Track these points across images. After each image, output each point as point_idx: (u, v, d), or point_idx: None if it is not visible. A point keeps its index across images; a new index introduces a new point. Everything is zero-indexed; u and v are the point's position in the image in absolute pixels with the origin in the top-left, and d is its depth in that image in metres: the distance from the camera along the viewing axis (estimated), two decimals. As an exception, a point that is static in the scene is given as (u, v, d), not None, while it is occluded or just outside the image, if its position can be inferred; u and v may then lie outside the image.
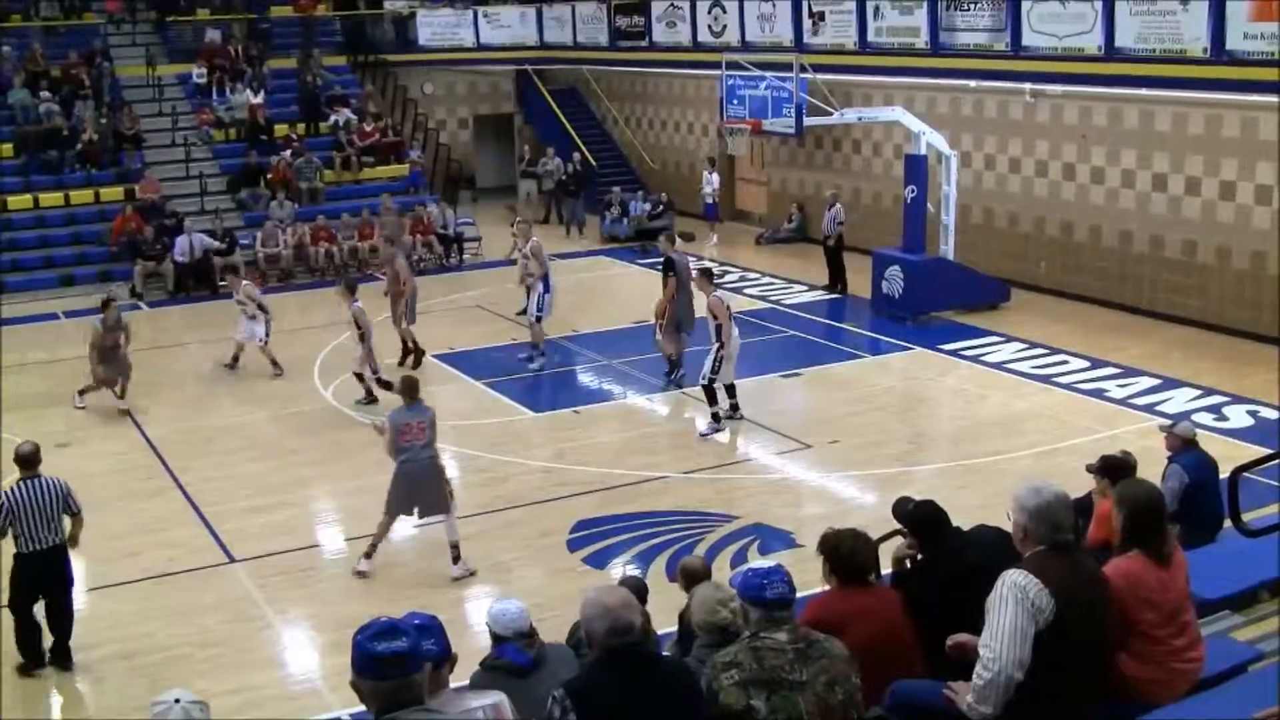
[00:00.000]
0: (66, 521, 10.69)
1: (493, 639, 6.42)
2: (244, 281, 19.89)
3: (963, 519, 7.09)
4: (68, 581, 10.84)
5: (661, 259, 18.70)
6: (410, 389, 12.41)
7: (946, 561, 6.61)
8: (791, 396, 17.98)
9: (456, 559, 12.34)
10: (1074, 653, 5.38)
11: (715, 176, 29.69)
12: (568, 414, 17.49)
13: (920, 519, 6.93)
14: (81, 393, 17.95)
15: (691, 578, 8.37)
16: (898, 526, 7.60)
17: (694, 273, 17.52)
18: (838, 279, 24.15)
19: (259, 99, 30.37)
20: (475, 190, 35.51)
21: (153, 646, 11.10)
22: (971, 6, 22.19)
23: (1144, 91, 20.33)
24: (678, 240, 20.20)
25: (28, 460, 10.66)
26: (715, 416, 16.22)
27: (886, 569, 7.58)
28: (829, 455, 15.47)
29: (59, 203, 26.96)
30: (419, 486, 12.25)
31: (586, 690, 4.95)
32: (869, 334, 21.20)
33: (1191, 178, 20.34)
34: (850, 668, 5.26)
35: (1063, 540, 5.52)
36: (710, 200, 29.66)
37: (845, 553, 6.34)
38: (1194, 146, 20.27)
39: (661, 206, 29.99)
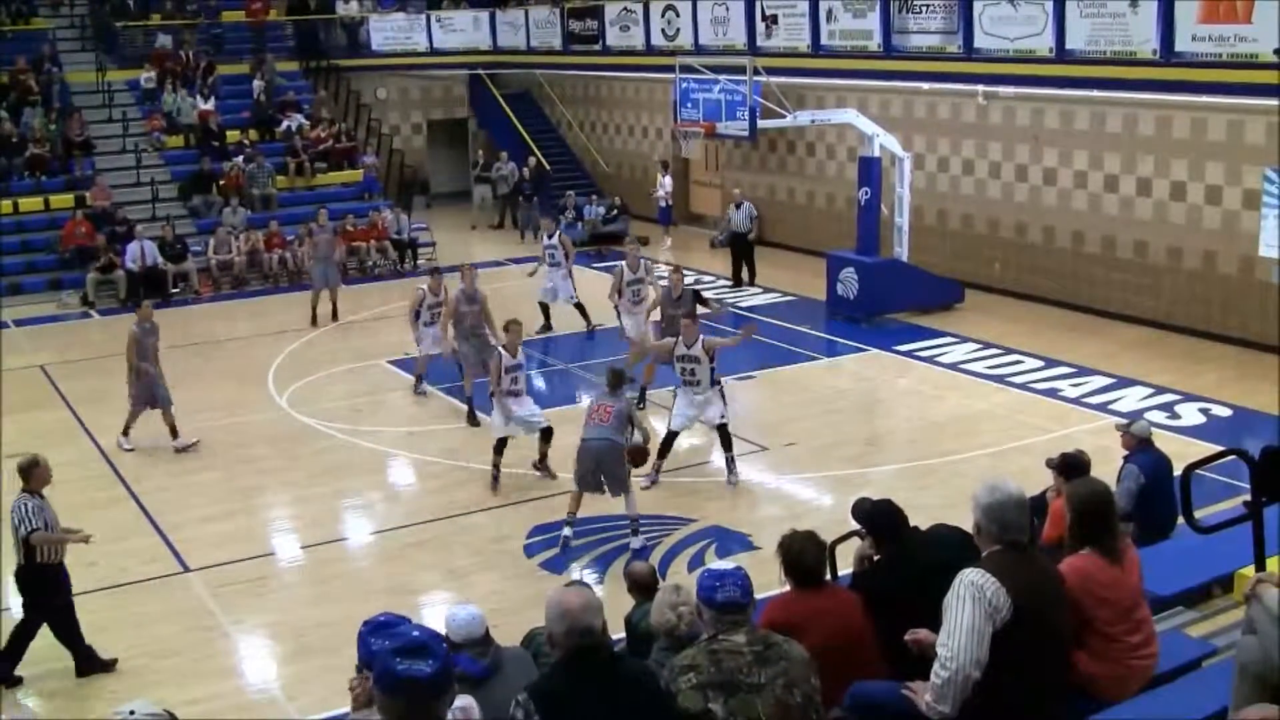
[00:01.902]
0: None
1: (448, 646, 6.39)
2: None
3: (922, 519, 7.11)
4: None
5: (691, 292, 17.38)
6: (617, 380, 13.20)
7: (904, 561, 6.62)
8: (747, 399, 17.96)
9: (635, 532, 13.02)
10: (1031, 651, 5.40)
11: (669, 180, 29.75)
12: (524, 419, 17.43)
13: (877, 519, 6.94)
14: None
15: (637, 583, 8.40)
16: (856, 527, 7.62)
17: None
18: (747, 272, 25.05)
19: (210, 105, 30.17)
20: (429, 195, 35.42)
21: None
22: (923, 9, 22.30)
23: (1095, 93, 20.49)
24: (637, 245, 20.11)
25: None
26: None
27: (851, 570, 7.59)
28: (786, 457, 15.50)
29: (8, 211, 26.57)
30: (598, 465, 12.83)
31: (550, 692, 4.93)
32: (824, 336, 21.24)
33: (1142, 178, 20.50)
34: (809, 670, 5.26)
35: (1015, 539, 5.54)
36: (664, 204, 29.68)
37: (794, 555, 6.37)
38: (1145, 147, 20.44)
39: (615, 210, 30.02)
